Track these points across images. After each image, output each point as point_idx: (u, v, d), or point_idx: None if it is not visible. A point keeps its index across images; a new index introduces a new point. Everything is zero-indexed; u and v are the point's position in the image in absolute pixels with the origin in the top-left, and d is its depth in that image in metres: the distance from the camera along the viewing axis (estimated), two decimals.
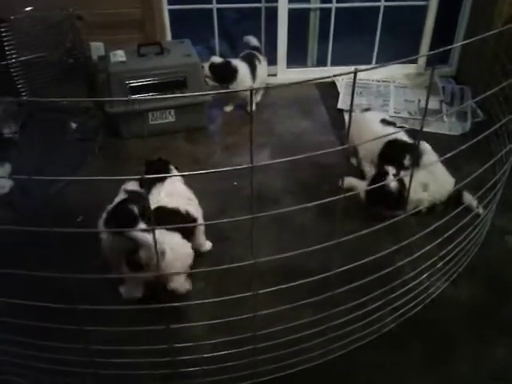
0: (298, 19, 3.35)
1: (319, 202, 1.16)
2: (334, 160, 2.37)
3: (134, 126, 2.72)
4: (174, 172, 1.93)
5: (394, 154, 2.21)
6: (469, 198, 2.09)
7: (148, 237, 1.49)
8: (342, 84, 3.27)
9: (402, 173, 2.10)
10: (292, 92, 3.20)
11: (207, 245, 1.97)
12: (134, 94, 2.63)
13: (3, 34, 2.67)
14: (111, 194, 1.79)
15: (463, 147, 1.33)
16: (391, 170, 2.09)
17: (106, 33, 2.97)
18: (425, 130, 2.94)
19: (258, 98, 3.11)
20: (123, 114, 2.66)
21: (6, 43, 2.70)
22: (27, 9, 2.84)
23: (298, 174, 2.47)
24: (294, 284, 1.29)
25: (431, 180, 2.13)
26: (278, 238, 2.08)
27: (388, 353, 1.63)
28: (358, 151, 2.40)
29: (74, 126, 2.78)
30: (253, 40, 3.13)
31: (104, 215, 1.62)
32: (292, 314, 1.46)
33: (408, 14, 3.46)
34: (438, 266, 1.76)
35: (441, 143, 2.71)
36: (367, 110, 2.50)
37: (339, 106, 3.06)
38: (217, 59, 2.79)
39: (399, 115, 2.98)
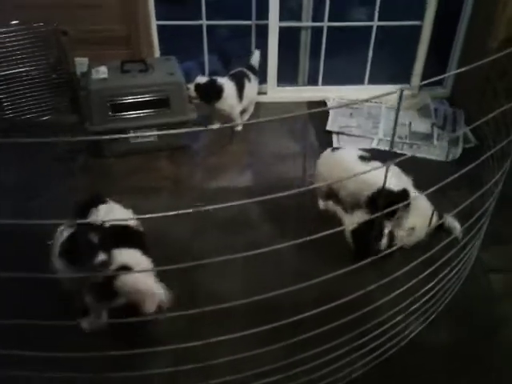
0: (289, 37, 3.29)
1: (302, 239, 1.15)
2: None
3: (115, 144, 2.65)
4: (111, 204, 1.85)
5: (386, 205, 2.05)
6: (450, 220, 2.06)
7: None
8: (333, 104, 3.20)
9: (391, 224, 2.00)
10: (281, 111, 3.12)
11: None
12: (114, 112, 2.58)
13: None
14: None
15: (454, 177, 1.30)
16: (388, 226, 1.99)
17: (91, 48, 2.92)
18: (414, 155, 2.84)
19: (245, 117, 3.04)
20: (104, 133, 2.59)
21: None
22: (12, 22, 2.82)
23: (276, 198, 2.38)
24: (262, 329, 1.23)
25: (418, 222, 2.03)
26: (253, 269, 1.97)
27: None
28: (336, 193, 2.23)
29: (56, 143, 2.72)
30: (255, 57, 3.08)
31: (56, 249, 1.54)
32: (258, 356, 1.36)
33: (402, 32, 3.39)
34: (418, 304, 1.66)
35: (430, 169, 2.63)
36: (336, 148, 2.34)
37: (328, 127, 2.99)
38: (202, 79, 2.73)
39: (388, 139, 2.87)
